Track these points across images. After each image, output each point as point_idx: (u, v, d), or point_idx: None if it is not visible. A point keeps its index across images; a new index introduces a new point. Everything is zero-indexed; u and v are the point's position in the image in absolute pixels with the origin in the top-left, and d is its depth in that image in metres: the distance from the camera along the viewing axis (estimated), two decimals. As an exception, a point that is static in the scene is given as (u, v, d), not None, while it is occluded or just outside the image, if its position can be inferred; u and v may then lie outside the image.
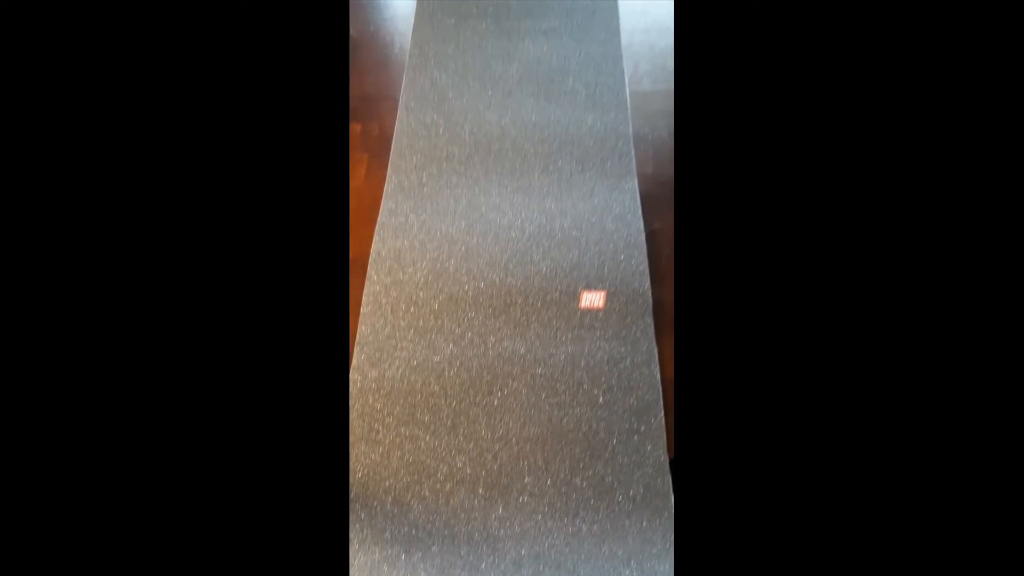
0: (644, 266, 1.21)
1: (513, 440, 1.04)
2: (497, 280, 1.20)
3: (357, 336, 1.15)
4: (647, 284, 1.18)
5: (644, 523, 0.96)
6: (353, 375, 1.11)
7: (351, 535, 0.97)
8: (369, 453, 1.03)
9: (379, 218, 1.29)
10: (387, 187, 1.33)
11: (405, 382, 1.10)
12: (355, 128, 1.44)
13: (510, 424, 1.05)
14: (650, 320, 1.14)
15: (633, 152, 1.37)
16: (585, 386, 1.08)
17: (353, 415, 1.07)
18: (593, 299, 1.17)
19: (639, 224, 1.26)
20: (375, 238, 1.26)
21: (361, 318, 1.17)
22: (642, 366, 1.10)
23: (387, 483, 1.01)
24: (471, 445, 1.03)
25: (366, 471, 1.02)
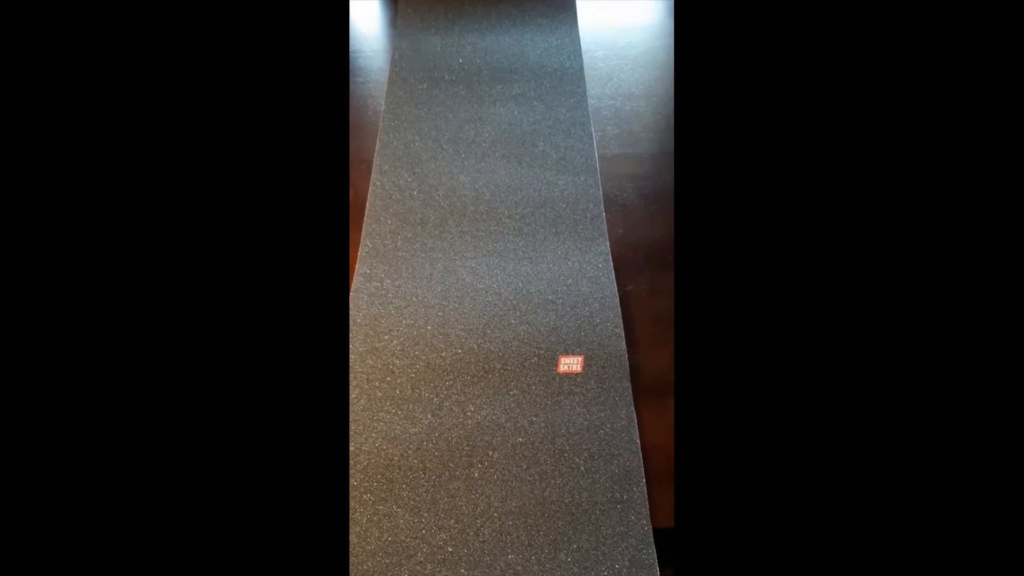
0: (620, 329, 1.22)
1: (495, 515, 1.01)
2: (475, 346, 1.19)
3: (332, 408, 1.12)
4: (623, 347, 1.20)
5: (631, 598, 0.95)
6: (328, 450, 1.07)
7: (327, 625, 0.92)
8: (346, 534, 0.99)
9: (354, 283, 1.28)
10: (361, 251, 1.33)
11: (382, 456, 1.07)
12: (328, 192, 1.44)
13: (491, 498, 1.03)
14: (628, 384, 1.15)
15: (604, 214, 1.40)
16: (566, 454, 1.08)
17: (328, 493, 1.03)
18: (571, 364, 1.18)
19: (613, 287, 1.28)
20: (351, 305, 1.24)
21: (336, 389, 1.14)
22: (622, 432, 1.10)
23: (365, 566, 0.97)
24: (452, 522, 1.01)
25: (343, 554, 0.98)
